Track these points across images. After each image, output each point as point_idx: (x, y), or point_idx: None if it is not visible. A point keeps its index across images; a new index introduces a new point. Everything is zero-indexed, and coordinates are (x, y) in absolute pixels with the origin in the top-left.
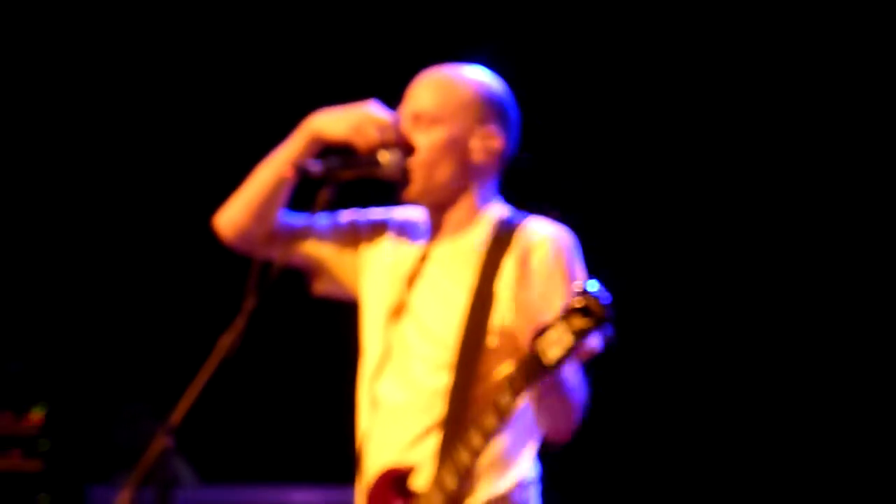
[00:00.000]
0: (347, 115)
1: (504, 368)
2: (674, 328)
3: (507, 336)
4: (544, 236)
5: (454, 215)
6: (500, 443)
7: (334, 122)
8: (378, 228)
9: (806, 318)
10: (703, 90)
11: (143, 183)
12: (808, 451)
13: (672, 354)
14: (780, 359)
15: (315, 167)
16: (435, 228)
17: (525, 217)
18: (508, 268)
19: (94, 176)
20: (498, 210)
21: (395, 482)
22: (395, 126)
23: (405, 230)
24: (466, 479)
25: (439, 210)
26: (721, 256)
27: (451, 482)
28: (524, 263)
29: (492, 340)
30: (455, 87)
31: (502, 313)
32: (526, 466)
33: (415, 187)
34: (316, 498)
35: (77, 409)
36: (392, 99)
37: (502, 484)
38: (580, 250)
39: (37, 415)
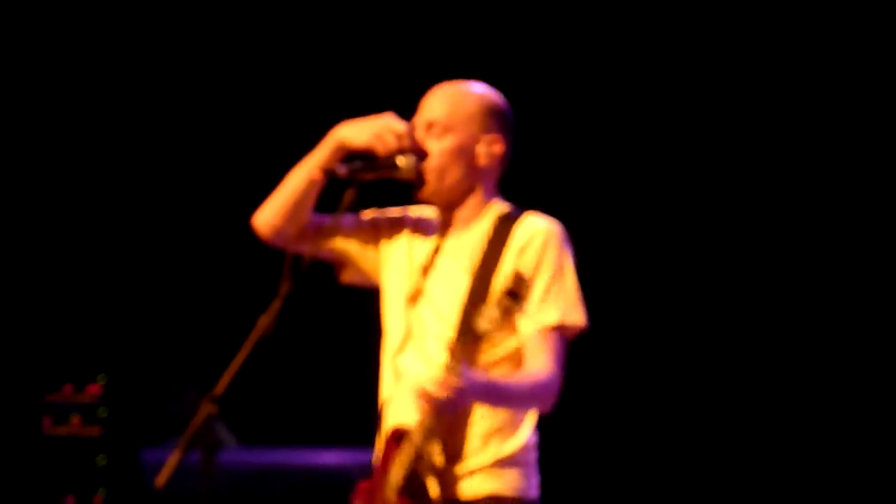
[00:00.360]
0: (369, 125)
1: (503, 341)
2: (664, 321)
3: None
4: (538, 229)
5: (462, 212)
6: (506, 411)
7: (357, 131)
8: (396, 225)
9: (792, 312)
10: (692, 89)
11: (192, 188)
12: (793, 446)
13: (661, 346)
14: (771, 354)
15: (341, 170)
16: (445, 224)
17: (522, 212)
18: (507, 257)
19: (153, 177)
20: (499, 206)
21: (399, 438)
22: (411, 134)
23: (420, 226)
24: (430, 436)
25: (449, 208)
26: (708, 249)
27: (418, 437)
28: (521, 253)
29: (478, 313)
30: (462, 99)
31: (500, 290)
32: (528, 432)
33: (428, 188)
34: (343, 458)
35: (132, 381)
36: (406, 110)
37: (508, 446)
38: (569, 242)
39: (96, 386)
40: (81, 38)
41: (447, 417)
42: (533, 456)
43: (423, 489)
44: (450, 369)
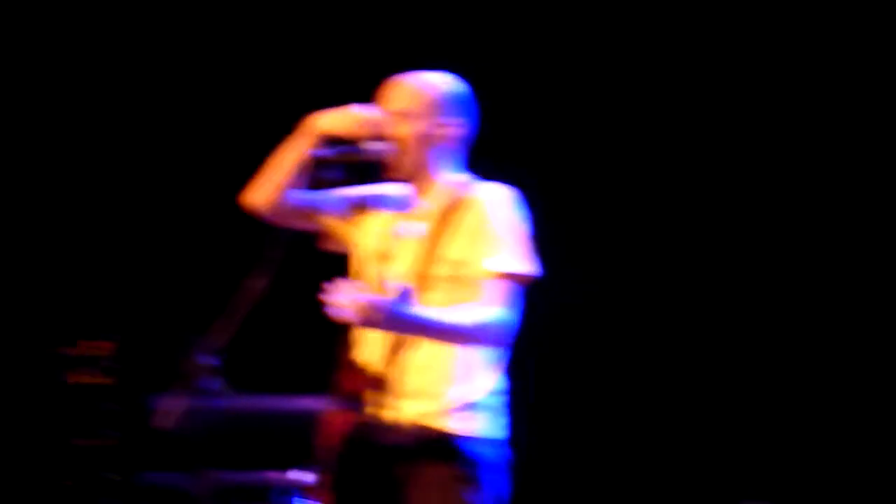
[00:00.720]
0: (346, 115)
1: (458, 290)
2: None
3: (457, 264)
4: (490, 192)
5: (427, 186)
6: (472, 356)
7: (336, 120)
8: (371, 200)
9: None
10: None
11: (190, 169)
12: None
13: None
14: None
15: (324, 155)
16: (413, 197)
17: (478, 181)
18: (461, 217)
19: (162, 156)
20: (460, 178)
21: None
22: (381, 122)
23: (390, 200)
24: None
25: (416, 183)
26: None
27: (344, 348)
28: (474, 213)
29: (442, 269)
30: (423, 89)
31: (453, 248)
32: (493, 377)
33: (397, 169)
34: (320, 404)
35: (142, 337)
36: (373, 99)
37: (473, 390)
38: (521, 204)
39: (110, 342)
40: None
41: (396, 352)
42: (500, 400)
43: (359, 402)
44: (364, 287)
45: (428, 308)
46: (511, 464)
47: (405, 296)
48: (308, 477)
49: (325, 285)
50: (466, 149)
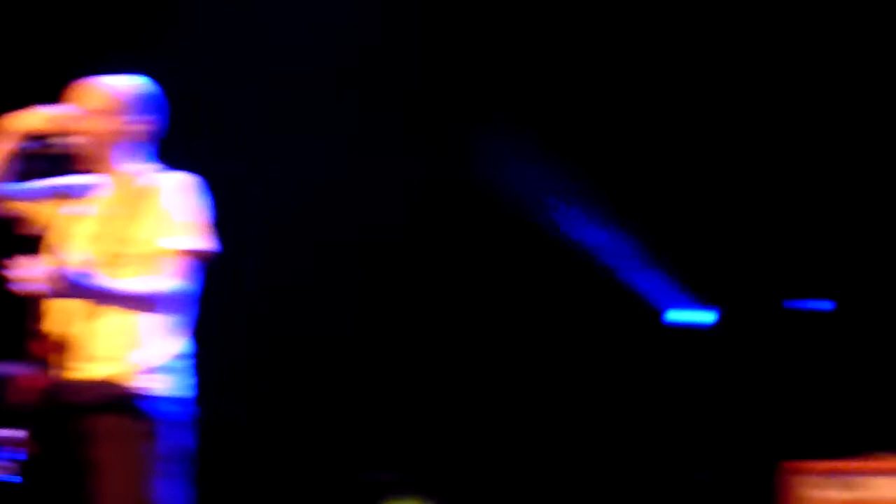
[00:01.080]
0: (38, 114)
1: (140, 266)
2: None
3: (138, 243)
4: (172, 179)
5: (116, 175)
6: (154, 323)
7: (36, 119)
8: (68, 189)
9: None
10: None
11: None
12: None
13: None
14: None
15: (27, 149)
16: (104, 186)
17: (163, 171)
18: (146, 201)
19: None
20: (145, 167)
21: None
22: (75, 119)
23: (84, 189)
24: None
25: (106, 172)
26: None
27: (34, 315)
28: (157, 197)
29: (126, 247)
30: (111, 90)
31: (134, 228)
32: (177, 342)
33: (89, 160)
34: (16, 369)
35: None
36: (67, 99)
37: (156, 353)
38: (202, 190)
39: None
40: None
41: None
42: (184, 362)
43: (48, 365)
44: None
45: (107, 279)
46: (197, 420)
47: (84, 268)
48: (14, 434)
49: (8, 262)
50: (154, 143)
